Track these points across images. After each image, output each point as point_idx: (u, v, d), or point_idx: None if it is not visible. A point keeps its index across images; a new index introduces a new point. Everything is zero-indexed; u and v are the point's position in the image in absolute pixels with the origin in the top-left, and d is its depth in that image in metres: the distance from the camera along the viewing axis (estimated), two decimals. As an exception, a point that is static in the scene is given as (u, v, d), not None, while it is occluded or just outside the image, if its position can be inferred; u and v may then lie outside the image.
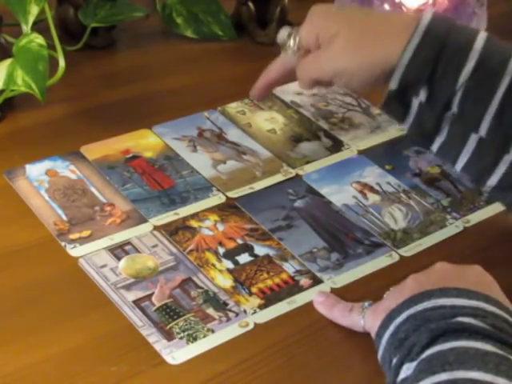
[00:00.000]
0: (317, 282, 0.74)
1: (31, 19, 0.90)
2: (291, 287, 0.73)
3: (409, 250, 0.78)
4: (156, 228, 0.78)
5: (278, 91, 0.99)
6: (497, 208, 0.82)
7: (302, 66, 0.75)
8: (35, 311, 0.69)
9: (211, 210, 0.81)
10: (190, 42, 1.11)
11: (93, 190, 0.83)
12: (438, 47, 0.67)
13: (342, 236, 0.79)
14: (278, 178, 0.87)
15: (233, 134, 0.93)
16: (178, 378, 0.64)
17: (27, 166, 0.85)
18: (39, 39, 0.87)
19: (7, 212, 0.80)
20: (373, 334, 0.63)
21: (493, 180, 0.69)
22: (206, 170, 0.87)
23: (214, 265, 0.74)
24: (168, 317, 0.69)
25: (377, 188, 0.86)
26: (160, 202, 0.82)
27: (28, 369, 0.63)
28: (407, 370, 0.56)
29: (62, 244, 0.75)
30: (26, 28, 0.90)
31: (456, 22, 0.69)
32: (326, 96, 1.01)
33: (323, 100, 1.00)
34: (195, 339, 0.67)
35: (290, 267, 0.75)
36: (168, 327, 0.68)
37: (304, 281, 0.74)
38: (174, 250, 0.76)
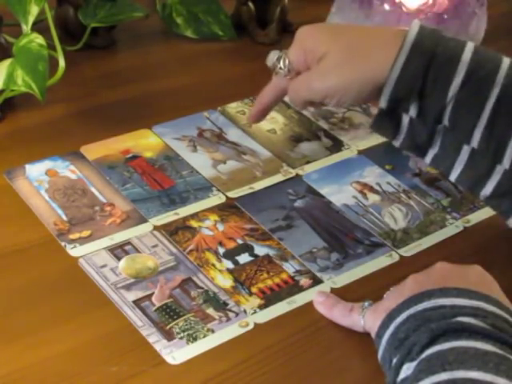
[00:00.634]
0: (317, 281, 0.74)
1: (31, 19, 0.90)
2: (291, 287, 0.73)
3: (409, 250, 0.78)
4: (156, 228, 0.78)
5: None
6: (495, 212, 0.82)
7: (293, 87, 0.75)
8: (35, 311, 0.69)
9: (211, 209, 0.81)
10: (190, 42, 1.12)
11: (93, 190, 0.83)
12: (426, 61, 0.67)
13: (342, 236, 0.79)
14: (278, 177, 0.87)
15: (233, 134, 0.93)
16: (178, 378, 0.64)
17: (27, 166, 0.85)
18: (39, 39, 0.87)
19: (7, 212, 0.80)
20: (373, 334, 0.63)
21: (487, 189, 0.69)
22: (206, 170, 0.87)
23: (213, 265, 0.75)
24: (168, 317, 0.69)
25: (377, 188, 0.86)
26: (160, 202, 0.82)
27: (28, 369, 0.63)
28: (407, 369, 0.56)
29: (62, 244, 0.76)
30: (26, 28, 0.90)
31: (443, 33, 0.69)
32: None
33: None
34: (195, 339, 0.67)
35: (289, 267, 0.75)
36: (168, 327, 0.68)
37: (304, 281, 0.74)
38: (173, 249, 0.76)
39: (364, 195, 0.85)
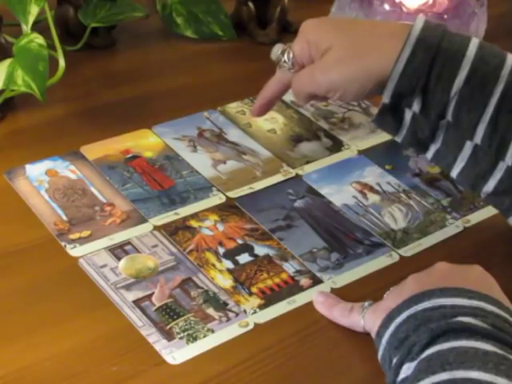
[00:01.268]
0: (317, 281, 0.74)
1: (31, 19, 0.90)
2: (291, 287, 0.73)
3: (409, 250, 0.78)
4: (156, 228, 0.78)
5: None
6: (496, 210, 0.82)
7: (296, 81, 0.75)
8: (35, 311, 0.69)
9: (211, 209, 0.81)
10: (190, 42, 1.11)
11: (93, 190, 0.83)
12: (431, 57, 0.67)
13: (341, 236, 0.79)
14: (278, 177, 0.87)
15: (233, 134, 0.93)
16: (178, 378, 0.64)
17: (27, 166, 0.85)
18: (39, 39, 0.87)
19: (7, 212, 0.80)
20: (373, 334, 0.63)
21: (489, 186, 0.69)
22: (206, 169, 0.87)
23: (213, 265, 0.75)
24: (168, 317, 0.69)
25: (377, 188, 0.86)
26: (160, 202, 0.82)
27: (28, 369, 0.63)
28: (407, 369, 0.56)
29: (62, 244, 0.76)
30: (25, 28, 0.90)
31: (447, 28, 0.69)
32: (326, 96, 1.01)
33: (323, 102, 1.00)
34: (195, 339, 0.67)
35: (289, 267, 0.75)
36: (168, 327, 0.68)
37: (304, 281, 0.74)
38: (173, 249, 0.76)
39: (364, 195, 0.85)
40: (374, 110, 0.98)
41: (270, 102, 0.80)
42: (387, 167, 0.89)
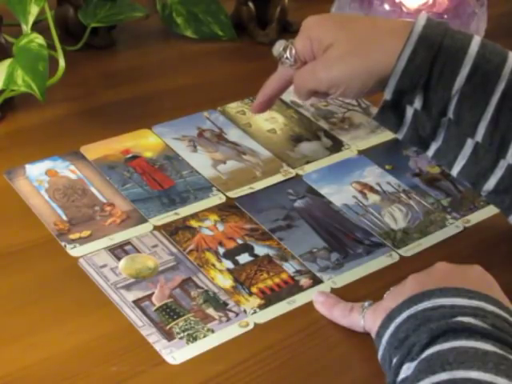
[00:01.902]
0: (317, 282, 0.74)
1: (31, 19, 0.90)
2: (291, 287, 0.73)
3: (409, 250, 0.78)
4: (156, 228, 0.78)
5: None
6: (497, 208, 0.82)
7: (298, 77, 0.75)
8: (35, 311, 0.69)
9: (211, 209, 0.81)
10: (190, 41, 1.11)
11: (93, 190, 0.83)
12: (433, 53, 0.67)
13: (341, 236, 0.79)
14: (278, 177, 0.87)
15: (233, 134, 0.93)
16: (177, 378, 0.64)
17: (27, 166, 0.85)
18: (39, 39, 0.87)
19: (7, 212, 0.80)
20: (373, 334, 0.63)
21: (489, 184, 0.69)
22: (206, 169, 0.87)
23: (213, 265, 0.74)
24: (168, 317, 0.69)
25: (377, 188, 0.86)
26: (160, 202, 0.82)
27: (28, 369, 0.63)
28: (407, 369, 0.56)
29: (62, 244, 0.76)
30: (25, 28, 0.90)
31: (450, 25, 0.69)
32: (326, 96, 1.01)
33: (323, 100, 1.00)
34: (195, 339, 0.67)
35: (289, 267, 0.75)
36: (168, 327, 0.68)
37: (304, 281, 0.74)
38: (174, 250, 0.76)
39: (364, 195, 0.85)
40: (374, 110, 0.98)
41: (270, 99, 0.79)
42: (387, 167, 0.89)
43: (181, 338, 0.67)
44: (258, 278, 0.74)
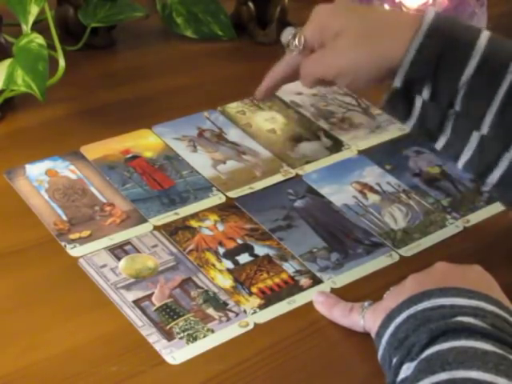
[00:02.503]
0: (317, 282, 0.74)
1: (31, 19, 0.90)
2: (291, 287, 0.73)
3: (409, 250, 0.78)
4: (156, 228, 0.78)
5: (278, 91, 0.99)
6: (497, 208, 0.82)
7: (306, 64, 0.75)
8: (35, 311, 0.69)
9: (211, 209, 0.81)
10: (190, 41, 1.11)
11: (93, 190, 0.83)
12: (442, 45, 0.67)
13: (341, 236, 0.79)
14: (278, 177, 0.87)
15: (233, 134, 0.93)
16: (178, 378, 0.64)
17: (27, 166, 0.85)
18: (39, 39, 0.87)
19: (7, 212, 0.80)
20: (373, 334, 0.63)
21: (494, 177, 0.69)
22: (206, 169, 0.87)
23: (214, 265, 0.74)
24: (168, 317, 0.69)
25: (377, 188, 0.86)
26: (160, 202, 0.82)
27: (28, 369, 0.63)
28: (407, 369, 0.56)
29: (62, 244, 0.76)
30: (25, 28, 0.90)
31: (458, 19, 0.69)
32: (326, 96, 1.01)
33: (323, 100, 1.00)
34: (195, 339, 0.67)
35: (289, 267, 0.75)
36: (168, 327, 0.68)
37: (304, 281, 0.74)
38: (174, 250, 0.76)
39: (364, 195, 0.85)
40: (374, 111, 0.99)
41: (276, 86, 0.80)
42: (387, 167, 0.89)
43: (181, 338, 0.67)
44: (258, 278, 0.74)
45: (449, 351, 0.54)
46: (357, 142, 0.93)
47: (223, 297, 0.71)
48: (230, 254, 0.76)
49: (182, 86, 1.01)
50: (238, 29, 1.13)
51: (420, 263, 0.69)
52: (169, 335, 0.67)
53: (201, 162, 0.88)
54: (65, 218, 0.79)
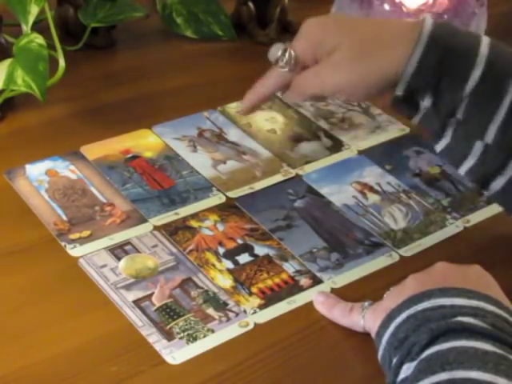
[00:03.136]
0: (317, 282, 0.74)
1: (31, 19, 0.90)
2: (291, 287, 0.73)
3: (409, 250, 0.78)
4: (156, 228, 0.78)
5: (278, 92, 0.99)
6: (497, 208, 0.82)
7: (300, 82, 0.72)
8: (35, 311, 0.69)
9: (211, 209, 0.81)
10: (190, 42, 1.12)
11: (93, 190, 0.83)
12: (443, 54, 0.66)
13: (342, 236, 0.79)
14: (278, 178, 0.87)
15: (233, 134, 0.93)
16: (177, 378, 0.64)
17: (27, 166, 0.85)
18: (39, 39, 0.87)
19: (7, 212, 0.80)
20: (373, 334, 0.63)
21: (497, 185, 0.69)
22: (206, 170, 0.87)
23: (214, 265, 0.74)
24: (168, 317, 0.69)
25: (377, 188, 0.86)
26: (160, 202, 0.82)
27: (28, 369, 0.63)
28: (407, 369, 0.56)
29: (62, 244, 0.76)
30: (25, 28, 0.90)
31: (455, 25, 0.69)
32: (326, 96, 1.01)
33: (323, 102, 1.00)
34: (195, 339, 0.67)
35: (289, 267, 0.75)
36: (168, 327, 0.68)
37: (304, 281, 0.74)
38: (174, 249, 0.76)
39: (364, 195, 0.85)
40: (374, 111, 0.99)
41: (262, 101, 0.77)
42: (387, 167, 0.89)
43: (181, 338, 0.67)
44: (258, 278, 0.74)
45: (449, 351, 0.54)
46: (357, 142, 0.93)
47: (223, 297, 0.71)
48: (230, 254, 0.76)
49: (182, 86, 1.01)
50: (238, 29, 1.13)
51: (420, 263, 0.69)
52: (169, 335, 0.67)
53: (201, 161, 0.88)
54: (65, 217, 0.79)
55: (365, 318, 0.66)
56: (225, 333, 0.68)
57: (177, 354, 0.65)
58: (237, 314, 0.70)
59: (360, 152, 0.91)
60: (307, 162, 0.89)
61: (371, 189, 0.86)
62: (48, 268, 0.73)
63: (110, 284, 0.71)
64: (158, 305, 0.70)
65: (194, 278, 0.73)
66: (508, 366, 0.52)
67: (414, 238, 0.79)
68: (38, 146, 0.88)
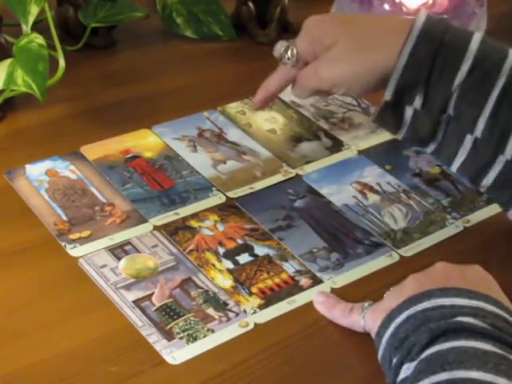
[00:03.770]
0: (317, 282, 0.74)
1: (31, 19, 0.90)
2: (291, 287, 0.73)
3: (409, 250, 0.78)
4: (156, 228, 0.78)
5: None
6: (497, 208, 0.82)
7: (301, 77, 0.76)
8: (35, 311, 0.69)
9: (211, 209, 0.81)
10: (190, 41, 1.11)
11: (93, 190, 0.83)
12: (434, 49, 0.67)
13: (342, 236, 0.79)
14: (278, 178, 0.87)
15: (233, 134, 0.93)
16: (177, 378, 0.64)
17: (27, 166, 0.85)
18: (39, 39, 0.87)
19: (7, 212, 0.80)
20: (373, 334, 0.63)
21: (488, 180, 0.69)
22: (206, 170, 0.87)
23: (213, 265, 0.74)
24: (168, 317, 0.69)
25: (377, 188, 0.86)
26: (160, 202, 0.82)
27: (28, 369, 0.63)
28: (407, 369, 0.56)
29: (62, 244, 0.76)
30: (25, 28, 0.90)
31: (450, 22, 0.70)
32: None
33: (323, 100, 1.00)
34: (195, 339, 0.67)
35: (289, 267, 0.75)
36: (168, 327, 0.68)
37: (304, 281, 0.74)
38: (174, 249, 0.76)
39: (364, 195, 0.85)
40: (375, 110, 0.98)
41: (271, 96, 0.81)
42: (387, 167, 0.89)
43: (181, 338, 0.67)
44: (257, 277, 0.74)
45: (449, 351, 0.54)
46: (357, 142, 0.93)
47: (223, 297, 0.71)
48: (230, 254, 0.76)
49: (182, 86, 1.01)
50: (237, 29, 1.13)
51: (420, 263, 0.69)
52: (169, 335, 0.67)
53: (201, 161, 0.88)
54: (65, 217, 0.79)
55: (365, 319, 0.66)
56: (225, 333, 0.68)
57: (177, 353, 0.65)
58: (237, 314, 0.70)
59: (360, 152, 0.91)
60: (307, 162, 0.89)
61: (371, 189, 0.86)
62: (48, 268, 0.73)
63: (110, 284, 0.71)
64: (158, 305, 0.70)
65: (194, 278, 0.73)
66: (508, 366, 0.52)
67: (414, 237, 0.79)
68: (38, 146, 0.88)
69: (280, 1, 1.13)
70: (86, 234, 0.77)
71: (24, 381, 0.63)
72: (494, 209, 0.83)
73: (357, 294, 0.71)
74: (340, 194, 0.84)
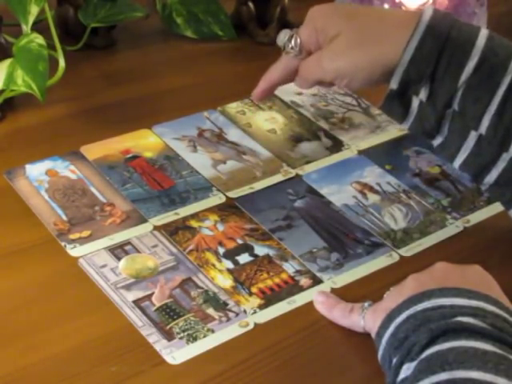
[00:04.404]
0: (317, 282, 0.74)
1: (31, 19, 0.90)
2: (291, 287, 0.73)
3: (409, 250, 0.78)
4: (156, 228, 0.78)
5: (278, 91, 0.99)
6: (497, 208, 0.82)
7: (304, 67, 0.75)
8: (35, 311, 0.69)
9: (211, 209, 0.81)
10: (190, 42, 1.11)
11: (93, 190, 0.83)
12: (440, 44, 0.67)
13: (342, 236, 0.79)
14: (278, 178, 0.87)
15: (233, 134, 0.93)
16: (177, 378, 0.64)
17: (27, 166, 0.85)
18: (39, 39, 0.87)
19: (7, 212, 0.80)
20: (373, 334, 0.63)
21: (491, 177, 0.69)
22: (206, 170, 0.87)
23: (214, 265, 0.74)
24: (168, 317, 0.69)
25: (377, 188, 0.86)
26: (160, 202, 0.82)
27: (28, 369, 0.63)
28: (407, 369, 0.56)
29: (62, 244, 0.76)
30: (25, 28, 0.90)
31: (456, 17, 0.69)
32: (326, 96, 1.01)
33: (323, 100, 1.00)
34: (195, 339, 0.67)
35: (289, 267, 0.75)
36: (168, 327, 0.68)
37: (304, 281, 0.74)
38: (174, 249, 0.76)
39: (364, 195, 0.85)
40: (374, 111, 0.99)
41: (273, 87, 0.80)
42: (387, 167, 0.89)
43: (181, 338, 0.67)
44: (257, 278, 0.74)
45: (449, 351, 0.54)
46: (357, 142, 0.93)
47: (223, 297, 0.71)
48: (230, 254, 0.76)
49: (182, 86, 1.01)
50: (237, 29, 1.13)
51: (420, 263, 0.69)
52: (169, 335, 0.67)
53: (201, 161, 0.88)
54: (65, 218, 0.79)
55: (365, 319, 0.66)
56: (225, 333, 0.68)
57: (177, 353, 0.65)
58: (237, 314, 0.70)
59: (360, 152, 0.91)
60: (307, 162, 0.89)
61: (371, 189, 0.86)
62: (48, 268, 0.73)
63: (110, 284, 0.71)
64: (158, 305, 0.70)
65: (194, 278, 0.73)
66: (508, 366, 0.52)
67: (414, 238, 0.79)
68: (38, 146, 0.88)
69: (280, 1, 1.13)
70: (85, 234, 0.77)
71: (24, 381, 0.63)
72: (494, 209, 0.83)
73: (357, 294, 0.71)
74: (340, 194, 0.84)
